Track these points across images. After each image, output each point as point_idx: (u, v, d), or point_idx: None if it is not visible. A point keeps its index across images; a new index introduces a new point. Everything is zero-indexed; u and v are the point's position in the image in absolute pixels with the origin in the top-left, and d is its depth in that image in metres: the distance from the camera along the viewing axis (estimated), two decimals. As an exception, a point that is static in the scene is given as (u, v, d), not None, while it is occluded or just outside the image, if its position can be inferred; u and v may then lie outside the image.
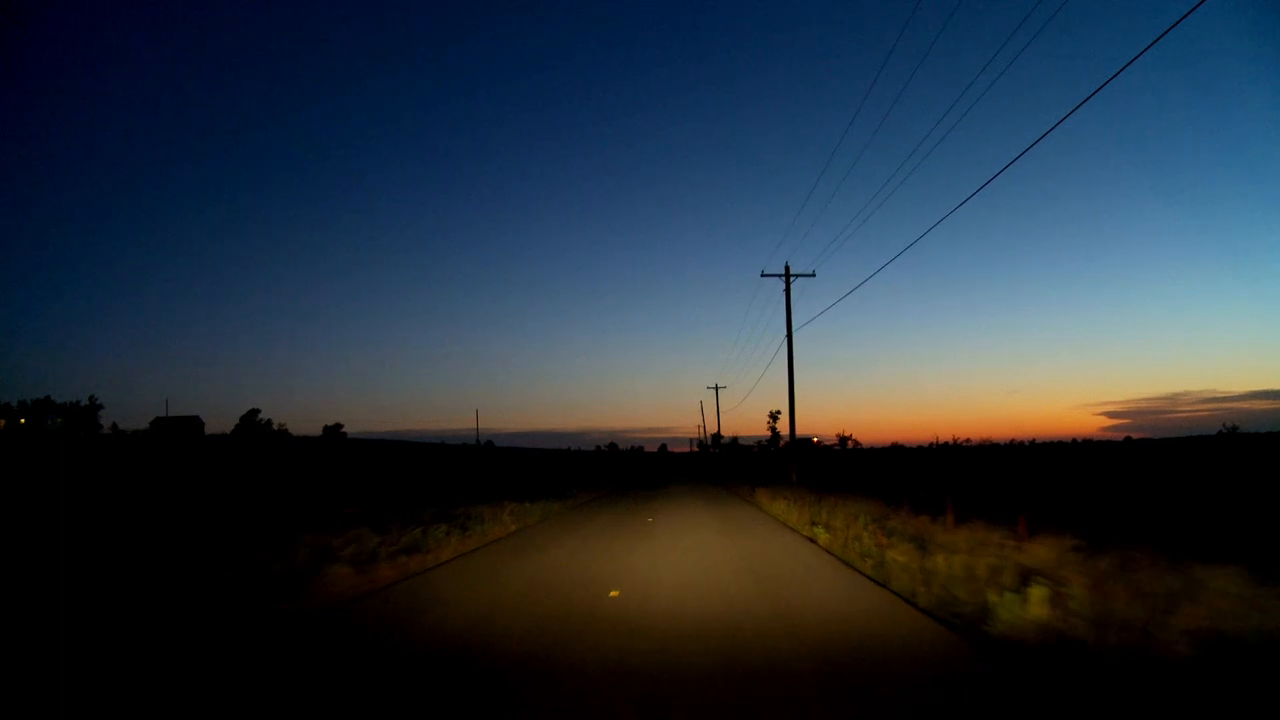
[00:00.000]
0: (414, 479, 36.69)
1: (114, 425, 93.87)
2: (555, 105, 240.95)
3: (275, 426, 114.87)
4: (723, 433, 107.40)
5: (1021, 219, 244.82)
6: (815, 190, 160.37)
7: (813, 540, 13.15)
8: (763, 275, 28.16)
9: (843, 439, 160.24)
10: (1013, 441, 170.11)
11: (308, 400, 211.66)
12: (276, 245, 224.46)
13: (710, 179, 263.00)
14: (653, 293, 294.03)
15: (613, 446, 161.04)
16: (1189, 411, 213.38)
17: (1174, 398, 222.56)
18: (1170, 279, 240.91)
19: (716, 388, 63.59)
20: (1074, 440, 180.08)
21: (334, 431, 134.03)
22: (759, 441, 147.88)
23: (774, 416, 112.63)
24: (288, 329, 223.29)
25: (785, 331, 27.66)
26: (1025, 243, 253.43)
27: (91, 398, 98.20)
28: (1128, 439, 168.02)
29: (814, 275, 27.77)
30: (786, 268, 27.86)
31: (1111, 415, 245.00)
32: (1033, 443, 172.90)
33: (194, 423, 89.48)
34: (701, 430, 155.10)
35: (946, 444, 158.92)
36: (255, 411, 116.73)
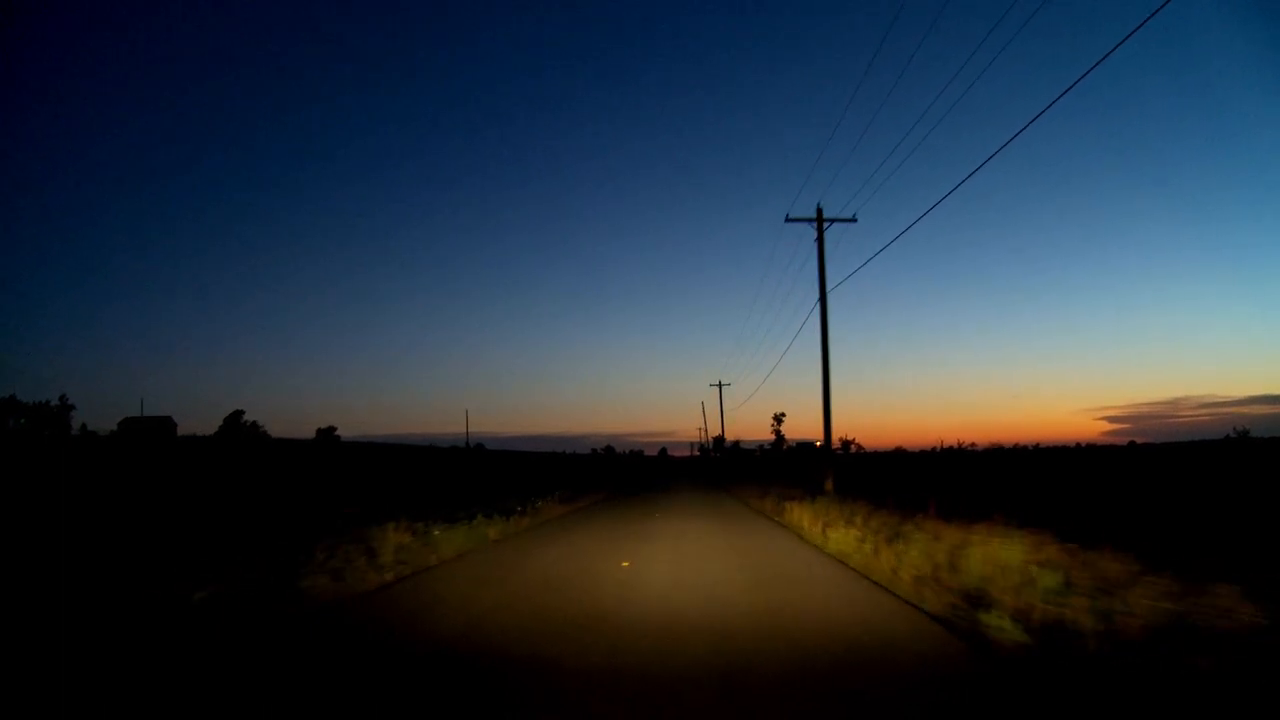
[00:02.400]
0: (378, 486, 29.93)
1: (83, 426, 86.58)
2: (549, 107, 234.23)
3: (260, 429, 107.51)
4: (725, 436, 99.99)
5: (1021, 224, 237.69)
6: (824, 156, 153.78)
7: (994, 638, 5.70)
8: (788, 220, 20.82)
9: (845, 443, 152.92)
10: (1016, 446, 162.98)
11: (305, 403, 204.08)
12: (269, 246, 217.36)
13: (710, 173, 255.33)
14: (652, 294, 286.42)
15: (609, 450, 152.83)
16: (1189, 416, 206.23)
17: (1174, 403, 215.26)
18: (1171, 284, 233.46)
19: (720, 385, 56.19)
20: (1077, 445, 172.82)
21: (327, 434, 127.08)
22: (761, 445, 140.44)
23: (778, 419, 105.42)
24: (283, 331, 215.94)
25: (817, 294, 20.34)
26: (1024, 247, 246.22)
27: (63, 397, 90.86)
28: (1131, 444, 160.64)
29: (855, 220, 20.47)
30: (819, 211, 20.55)
31: (1112, 420, 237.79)
32: (1036, 447, 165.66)
33: (165, 423, 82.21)
34: (703, 433, 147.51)
35: (952, 448, 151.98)
36: (239, 413, 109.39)
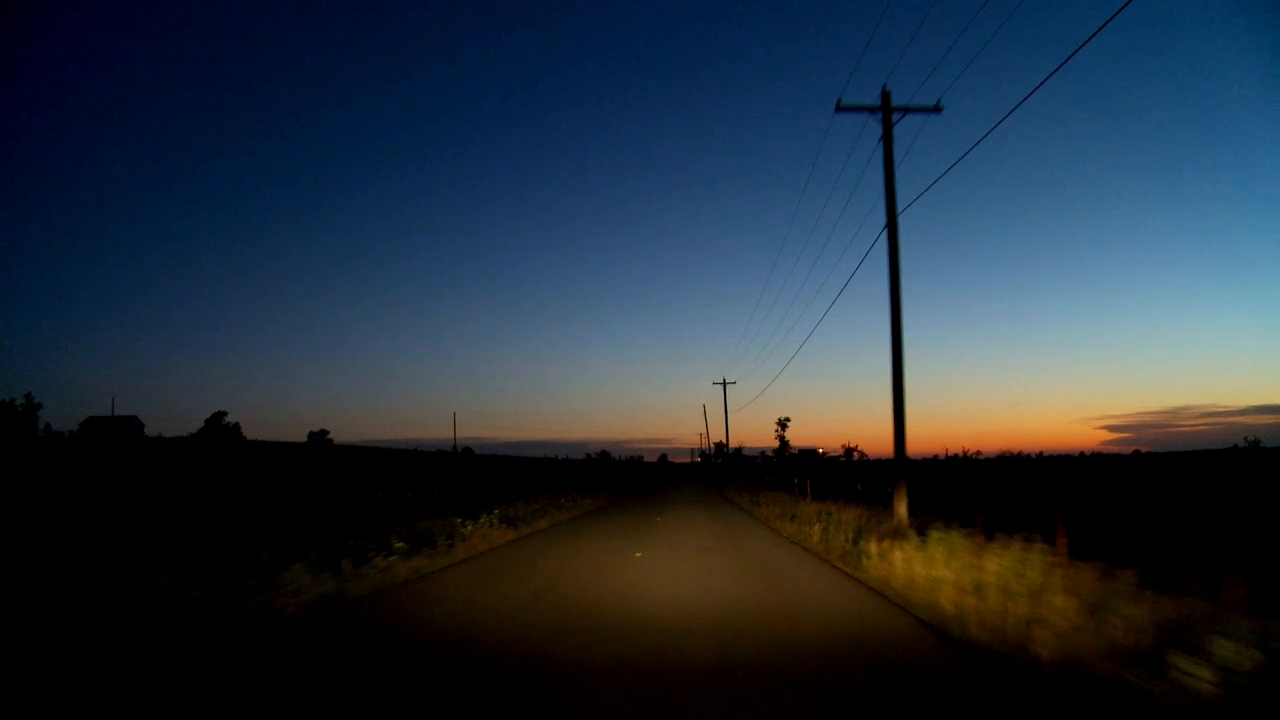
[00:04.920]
0: (302, 496, 23.29)
1: (47, 426, 79.58)
2: (541, 110, 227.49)
3: (239, 431, 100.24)
4: (722, 441, 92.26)
5: (1021, 231, 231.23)
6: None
7: None
8: (839, 109, 13.69)
9: (848, 450, 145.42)
10: (1020, 454, 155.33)
11: (302, 407, 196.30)
12: (260, 248, 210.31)
13: (708, 169, 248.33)
14: (654, 299, 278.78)
15: (604, 455, 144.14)
16: (1190, 426, 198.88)
17: (1175, 412, 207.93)
18: (1171, 294, 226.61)
19: (724, 383, 48.93)
20: (1080, 453, 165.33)
21: (319, 437, 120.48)
22: (763, 452, 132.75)
23: (782, 424, 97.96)
24: (279, 333, 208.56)
25: (884, 219, 13.25)
26: (1025, 256, 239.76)
27: (28, 396, 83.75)
28: (1136, 453, 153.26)
29: (939, 110, 13.39)
30: (885, 96, 13.47)
31: (1112, 429, 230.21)
32: (1040, 455, 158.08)
33: (131, 423, 75.04)
34: (704, 438, 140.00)
35: (957, 456, 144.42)
36: (221, 414, 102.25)
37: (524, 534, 15.45)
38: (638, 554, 11.28)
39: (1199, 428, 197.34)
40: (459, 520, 13.85)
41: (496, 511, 15.22)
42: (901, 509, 12.69)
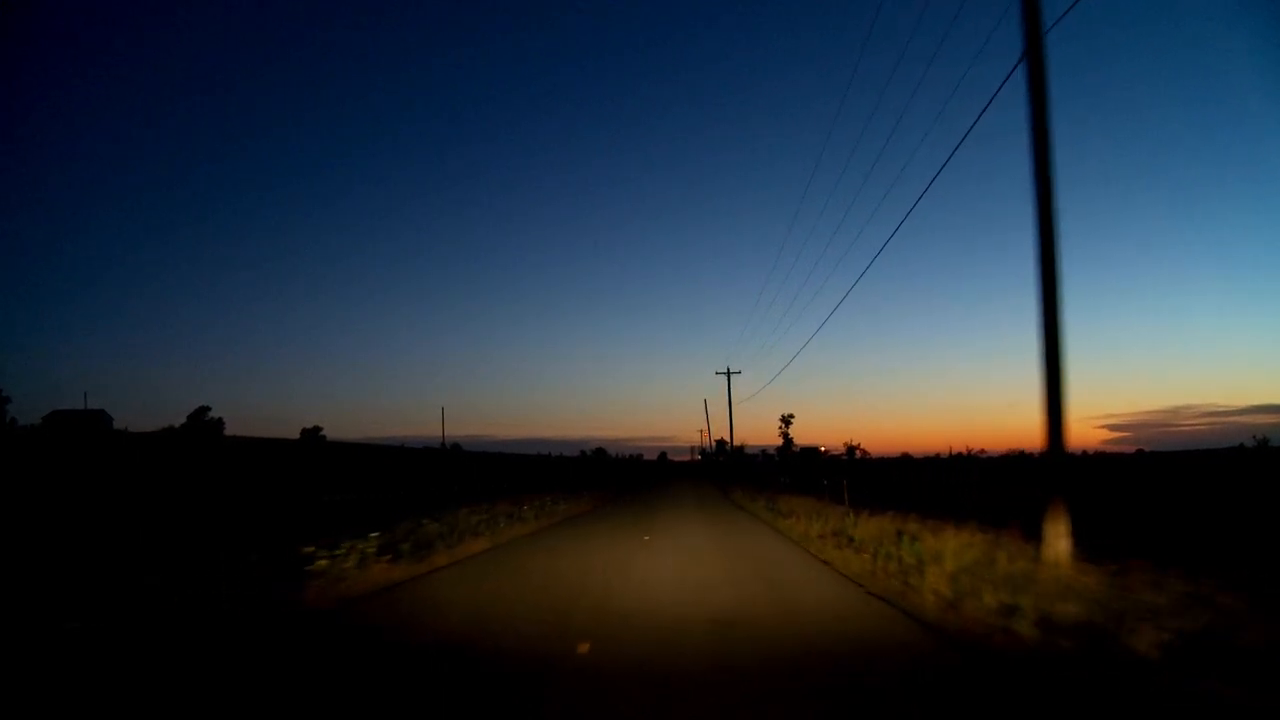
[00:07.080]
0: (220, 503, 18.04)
1: (12, 420, 74.23)
2: (532, 102, 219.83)
3: (221, 426, 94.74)
4: (724, 438, 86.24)
5: (1020, 229, 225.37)
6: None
7: None
8: None
9: (850, 449, 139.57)
10: (1026, 453, 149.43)
11: (299, 404, 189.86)
12: (255, 244, 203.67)
13: (715, 149, 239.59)
14: (654, 290, 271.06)
15: (599, 452, 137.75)
16: (1190, 425, 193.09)
17: (1175, 411, 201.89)
18: (1170, 292, 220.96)
19: (728, 373, 43.33)
20: (1084, 452, 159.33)
21: (313, 435, 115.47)
22: (764, 450, 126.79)
23: (786, 420, 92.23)
24: (277, 332, 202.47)
25: (1022, 52, 7.61)
26: (1021, 253, 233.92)
27: (-3, 389, 78.44)
28: (1139, 452, 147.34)
29: None
30: None
31: (1113, 428, 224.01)
32: (1042, 454, 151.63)
33: (98, 417, 69.68)
34: (705, 435, 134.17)
35: (961, 455, 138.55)
36: (204, 409, 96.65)
37: (431, 568, 9.83)
38: (582, 648, 5.48)
39: (1199, 427, 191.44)
40: (311, 550, 8.29)
41: (375, 537, 9.56)
42: (1061, 542, 7.09)
